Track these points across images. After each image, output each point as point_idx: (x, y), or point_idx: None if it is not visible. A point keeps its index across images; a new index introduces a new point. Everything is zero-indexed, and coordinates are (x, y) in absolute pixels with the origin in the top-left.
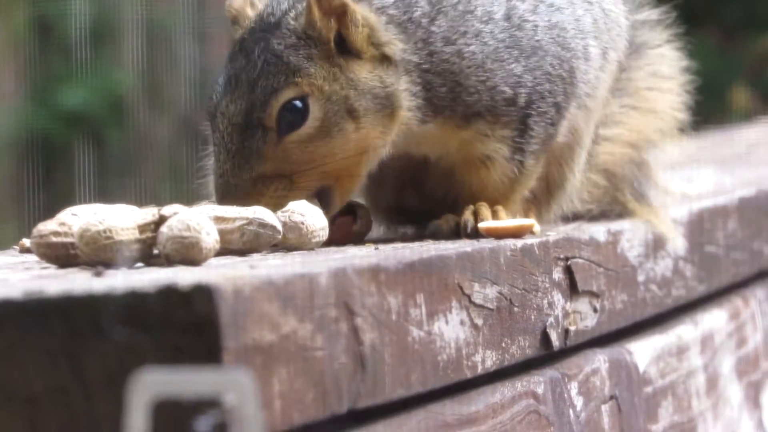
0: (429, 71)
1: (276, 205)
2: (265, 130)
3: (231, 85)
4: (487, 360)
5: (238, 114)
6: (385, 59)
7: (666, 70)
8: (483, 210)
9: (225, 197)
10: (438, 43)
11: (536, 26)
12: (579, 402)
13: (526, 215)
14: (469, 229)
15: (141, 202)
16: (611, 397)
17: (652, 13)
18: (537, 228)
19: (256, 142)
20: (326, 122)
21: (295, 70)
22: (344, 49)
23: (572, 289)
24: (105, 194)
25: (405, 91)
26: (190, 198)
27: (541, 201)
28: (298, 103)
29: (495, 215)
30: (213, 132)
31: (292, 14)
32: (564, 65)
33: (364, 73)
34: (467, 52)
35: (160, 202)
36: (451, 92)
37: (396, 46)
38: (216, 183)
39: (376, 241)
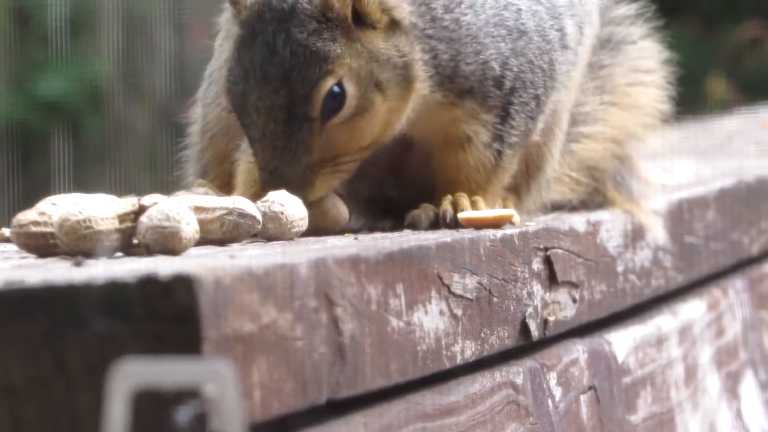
0: (433, 37)
1: (325, 192)
2: (309, 121)
3: (257, 79)
4: (466, 350)
5: (277, 109)
6: (395, 26)
7: (647, 64)
8: (462, 200)
9: None
10: (439, 10)
11: (520, 10)
12: (558, 392)
13: (505, 205)
14: (448, 219)
15: (119, 191)
16: (590, 388)
17: (630, 8)
18: (516, 218)
19: (302, 134)
20: (361, 99)
21: (325, 56)
22: (359, 21)
23: (551, 280)
24: (83, 184)
25: (419, 60)
26: (169, 188)
27: (521, 185)
28: (336, 88)
29: (474, 205)
30: (248, 126)
31: None
32: (544, 57)
33: (380, 43)
34: (464, 21)
35: (139, 192)
36: (453, 60)
37: (404, 9)
38: (265, 180)
39: (355, 232)
